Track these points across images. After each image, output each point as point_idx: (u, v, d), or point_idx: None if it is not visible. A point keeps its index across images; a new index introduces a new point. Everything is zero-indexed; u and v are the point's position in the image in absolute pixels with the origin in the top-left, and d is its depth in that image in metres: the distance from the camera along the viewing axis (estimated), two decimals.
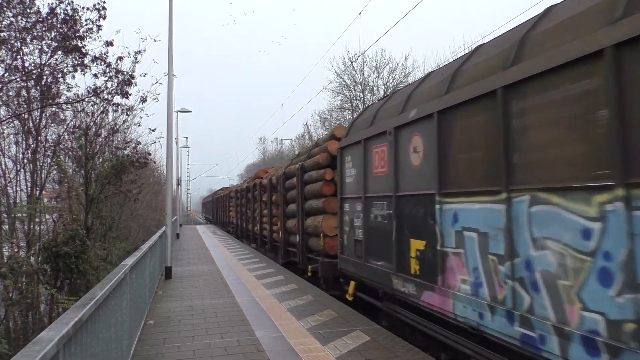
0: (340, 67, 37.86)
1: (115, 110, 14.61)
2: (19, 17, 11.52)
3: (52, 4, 11.55)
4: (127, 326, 5.50)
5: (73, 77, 12.64)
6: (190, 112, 30.78)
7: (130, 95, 13.59)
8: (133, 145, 16.40)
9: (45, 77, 12.17)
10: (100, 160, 15.20)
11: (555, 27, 4.11)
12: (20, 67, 11.83)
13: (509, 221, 4.29)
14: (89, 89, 12.92)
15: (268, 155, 71.79)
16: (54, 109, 12.90)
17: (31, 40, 11.73)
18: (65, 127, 13.73)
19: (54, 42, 12.00)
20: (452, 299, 5.18)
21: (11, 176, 12.62)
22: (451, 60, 11.03)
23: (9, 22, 11.42)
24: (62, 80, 12.50)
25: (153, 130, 18.00)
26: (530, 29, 4.46)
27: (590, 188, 3.48)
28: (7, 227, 11.87)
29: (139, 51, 13.68)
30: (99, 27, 12.40)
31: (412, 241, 6.19)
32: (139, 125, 21.45)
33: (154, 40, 14.17)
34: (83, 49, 12.18)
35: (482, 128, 4.78)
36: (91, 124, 14.14)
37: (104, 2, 12.27)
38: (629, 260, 3.15)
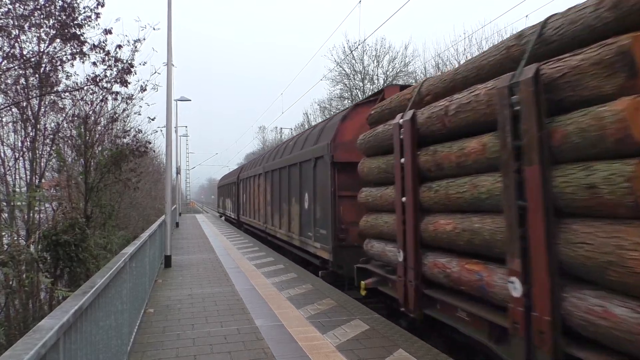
0: (340, 56, 37.74)
1: (115, 99, 14.56)
2: (17, 4, 11.41)
3: None
4: (127, 314, 5.52)
5: (72, 65, 12.55)
6: (190, 100, 30.70)
7: (129, 83, 13.52)
8: (133, 133, 16.35)
9: (44, 65, 12.08)
10: (100, 148, 15.15)
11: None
12: (18, 55, 11.74)
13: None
14: (88, 77, 12.85)
15: (268, 144, 71.70)
16: (53, 97, 12.81)
17: (29, 28, 11.63)
18: (64, 115, 13.65)
19: (52, 30, 11.89)
20: None
21: (10, 164, 12.56)
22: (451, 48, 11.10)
23: (6, 9, 11.32)
24: (61, 69, 12.41)
25: (153, 119, 17.96)
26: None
27: None
28: (6, 215, 11.85)
29: (139, 39, 13.57)
30: (98, 15, 12.27)
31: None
32: (139, 114, 21.37)
33: (153, 29, 14.07)
34: (82, 37, 12.08)
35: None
36: (90, 112, 14.07)
37: None
38: None
